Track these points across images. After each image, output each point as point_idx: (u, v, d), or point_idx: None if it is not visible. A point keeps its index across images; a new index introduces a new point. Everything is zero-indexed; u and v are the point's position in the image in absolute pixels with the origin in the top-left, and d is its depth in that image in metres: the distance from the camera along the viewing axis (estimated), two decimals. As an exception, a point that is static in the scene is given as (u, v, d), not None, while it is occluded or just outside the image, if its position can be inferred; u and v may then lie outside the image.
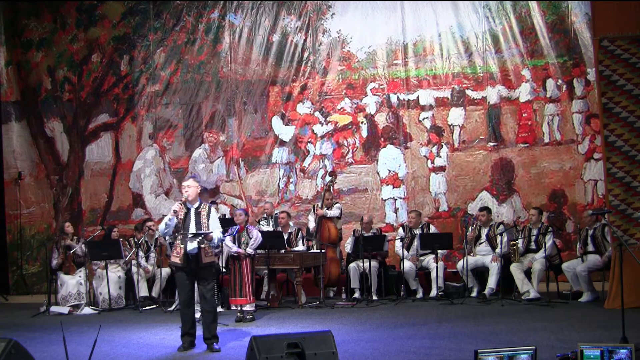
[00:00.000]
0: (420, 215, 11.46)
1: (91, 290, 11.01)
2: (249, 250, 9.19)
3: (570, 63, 12.13)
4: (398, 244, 11.09)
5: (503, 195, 12.26)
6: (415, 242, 10.98)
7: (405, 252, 10.88)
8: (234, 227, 9.37)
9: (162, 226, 7.41)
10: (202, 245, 7.32)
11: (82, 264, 10.91)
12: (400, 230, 11.37)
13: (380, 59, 12.75)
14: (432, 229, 11.28)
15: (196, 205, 7.44)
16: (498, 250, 10.45)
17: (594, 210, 10.42)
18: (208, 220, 7.39)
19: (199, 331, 7.58)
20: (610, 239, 9.69)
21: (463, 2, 12.45)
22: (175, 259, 7.42)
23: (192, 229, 7.34)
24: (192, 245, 7.31)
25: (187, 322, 7.48)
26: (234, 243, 9.22)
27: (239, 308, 9.17)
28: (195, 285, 7.60)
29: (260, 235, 9.38)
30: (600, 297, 9.68)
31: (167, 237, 7.89)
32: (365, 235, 10.95)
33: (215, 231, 7.43)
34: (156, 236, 11.24)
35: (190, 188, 7.40)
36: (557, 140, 12.16)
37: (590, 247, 10.05)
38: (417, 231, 11.07)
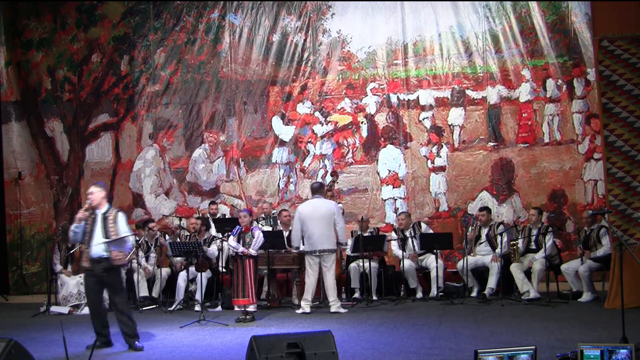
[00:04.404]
0: (410, 216, 11.48)
1: (91, 290, 10.98)
2: (252, 251, 9.19)
3: (570, 63, 12.14)
4: (394, 245, 11.10)
5: (503, 195, 12.26)
6: (409, 242, 10.99)
7: (403, 252, 10.87)
8: (236, 227, 9.37)
9: (71, 234, 7.65)
10: (111, 250, 7.48)
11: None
12: (393, 233, 11.37)
13: (380, 59, 12.75)
14: (424, 227, 11.26)
15: (103, 210, 7.58)
16: (498, 250, 10.46)
17: (594, 210, 10.42)
18: (115, 224, 7.53)
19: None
20: (609, 239, 9.70)
21: (463, 2, 12.45)
22: (85, 263, 7.60)
23: (99, 233, 7.50)
24: (96, 250, 7.48)
25: (97, 325, 7.66)
26: (238, 243, 9.23)
27: (243, 308, 9.16)
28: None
29: (262, 235, 9.39)
30: (600, 297, 9.68)
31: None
32: (365, 235, 10.94)
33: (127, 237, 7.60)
34: (156, 236, 11.26)
35: (94, 194, 7.56)
36: (557, 140, 12.17)
37: (590, 248, 10.08)
38: (408, 232, 11.06)
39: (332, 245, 9.68)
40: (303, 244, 9.86)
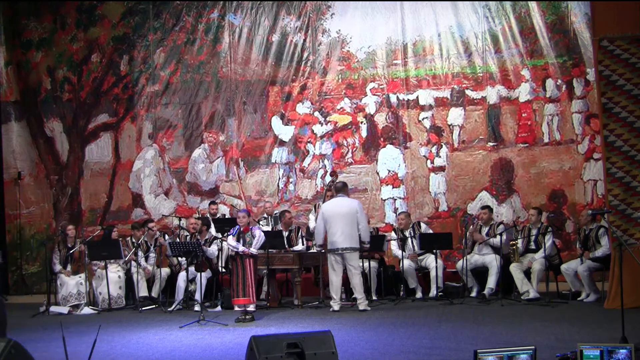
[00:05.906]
0: (410, 216, 11.47)
1: (91, 291, 11.00)
2: (253, 250, 9.19)
3: (570, 63, 12.13)
4: (394, 245, 11.10)
5: (503, 195, 12.26)
6: (409, 242, 10.98)
7: (402, 252, 10.86)
8: (235, 227, 9.38)
9: None
10: None
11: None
12: (392, 233, 11.36)
13: (380, 59, 12.75)
14: (423, 227, 11.25)
15: None
16: (493, 240, 10.42)
17: (593, 210, 10.42)
18: None
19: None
20: (608, 240, 9.70)
21: (463, 2, 12.45)
22: None
23: None
24: None
25: None
26: (238, 242, 9.22)
27: (243, 308, 9.16)
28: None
29: (262, 234, 9.40)
30: (600, 297, 9.68)
31: None
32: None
33: None
34: (156, 236, 11.26)
35: None
36: (556, 140, 12.17)
37: (590, 248, 10.06)
38: (408, 232, 11.06)
39: (354, 243, 9.63)
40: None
